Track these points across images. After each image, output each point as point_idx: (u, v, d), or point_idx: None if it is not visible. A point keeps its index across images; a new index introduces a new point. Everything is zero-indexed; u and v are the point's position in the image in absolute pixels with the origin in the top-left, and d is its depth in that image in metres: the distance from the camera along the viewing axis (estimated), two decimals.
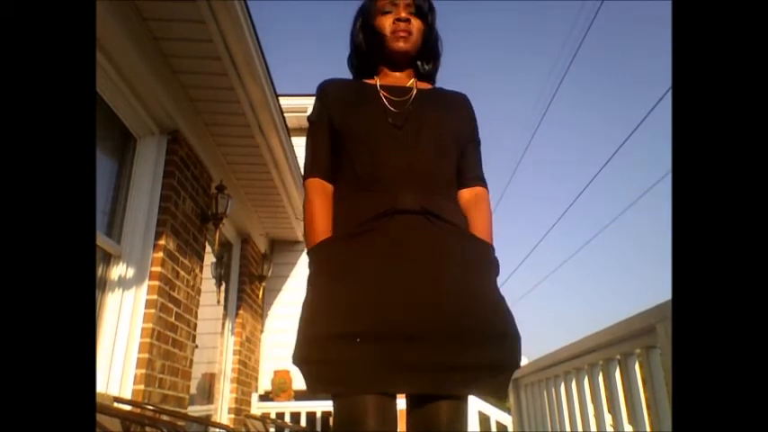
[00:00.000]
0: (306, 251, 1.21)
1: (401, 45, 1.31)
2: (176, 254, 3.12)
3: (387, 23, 1.31)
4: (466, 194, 1.30)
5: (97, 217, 2.68)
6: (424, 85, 1.36)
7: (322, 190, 1.26)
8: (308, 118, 1.35)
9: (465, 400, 1.11)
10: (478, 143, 1.38)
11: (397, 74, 1.35)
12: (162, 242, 2.94)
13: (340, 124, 1.26)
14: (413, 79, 1.36)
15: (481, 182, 1.34)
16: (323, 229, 1.19)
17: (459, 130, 1.32)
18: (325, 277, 1.14)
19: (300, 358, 1.11)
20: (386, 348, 1.05)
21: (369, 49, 1.37)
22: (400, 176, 1.18)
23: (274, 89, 3.43)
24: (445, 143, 1.27)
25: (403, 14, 1.31)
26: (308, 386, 1.11)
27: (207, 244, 3.73)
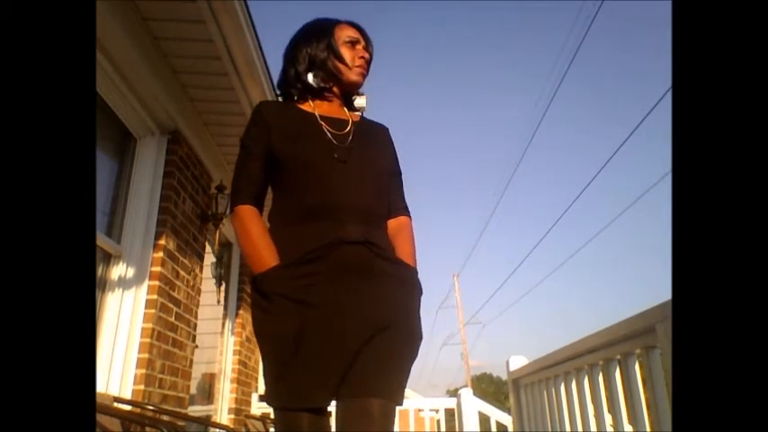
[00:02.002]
0: (253, 276, 1.26)
1: (360, 80, 1.43)
2: (176, 254, 3.12)
3: (348, 55, 1.41)
4: (392, 224, 1.41)
5: (97, 217, 2.68)
6: (355, 117, 1.46)
7: (257, 217, 1.32)
8: (241, 140, 1.38)
9: (394, 401, 1.20)
10: (401, 174, 1.50)
11: (332, 101, 1.43)
12: (162, 242, 2.94)
13: (283, 154, 1.31)
14: (345, 109, 1.45)
15: (405, 212, 1.46)
16: (269, 255, 1.24)
17: (389, 165, 1.44)
18: (277, 304, 1.21)
19: (271, 383, 1.22)
20: (335, 365, 1.17)
21: (324, 72, 1.40)
22: (347, 209, 1.27)
23: (274, 89, 3.42)
24: (382, 180, 1.38)
25: (365, 54, 1.42)
26: (268, 401, 1.23)
27: (207, 244, 3.73)
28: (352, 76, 1.40)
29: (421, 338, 1.28)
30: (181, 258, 3.18)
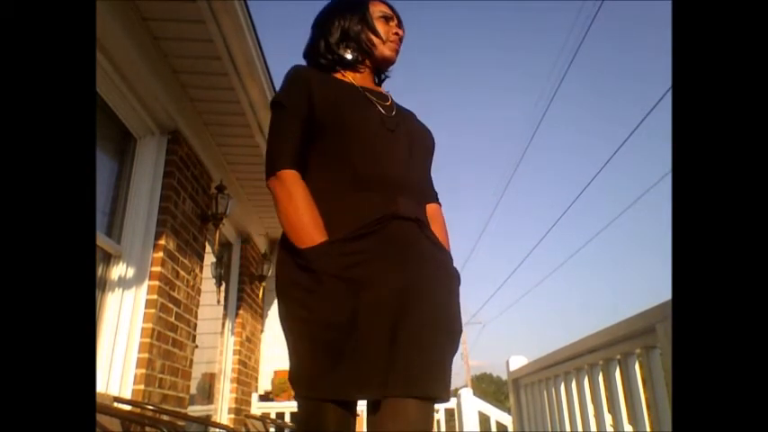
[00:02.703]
0: (296, 249, 1.11)
1: (393, 56, 1.38)
2: (176, 254, 3.12)
3: (383, 30, 1.37)
4: (426, 209, 1.34)
5: (97, 217, 2.68)
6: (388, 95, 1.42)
7: (303, 184, 1.17)
8: (277, 101, 1.25)
9: (442, 398, 1.14)
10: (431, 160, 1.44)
11: (364, 76, 1.38)
12: (162, 242, 2.94)
13: (329, 118, 1.21)
14: (379, 87, 1.41)
15: (437, 199, 1.40)
16: (318, 228, 1.12)
17: (430, 145, 1.39)
18: (328, 285, 1.08)
19: (311, 367, 1.09)
20: (388, 353, 1.07)
21: (357, 44, 1.35)
22: (399, 182, 1.20)
23: (274, 89, 3.42)
24: (428, 157, 1.34)
25: (399, 30, 1.39)
26: (308, 393, 1.10)
27: (207, 244, 3.73)
28: (386, 51, 1.36)
29: (461, 331, 1.22)
30: (181, 258, 3.18)
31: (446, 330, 1.16)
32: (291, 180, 1.16)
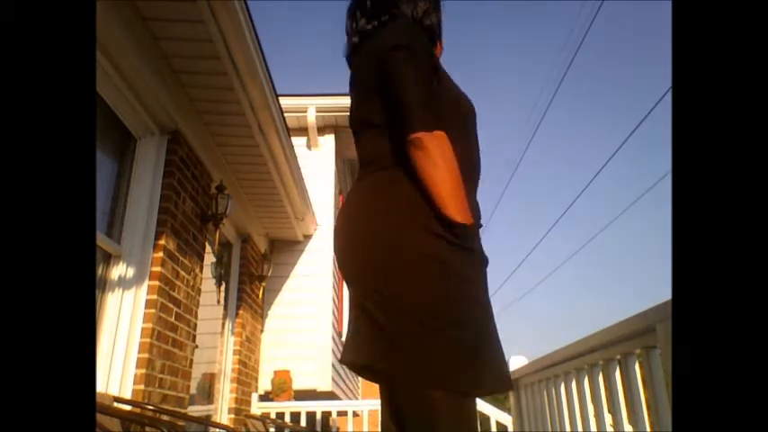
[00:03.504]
0: (451, 223, 0.97)
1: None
2: (176, 254, 3.12)
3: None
4: None
5: (97, 217, 2.68)
6: None
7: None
8: (410, 45, 1.05)
9: None
10: None
11: None
12: (162, 242, 2.94)
13: (457, 94, 1.13)
14: None
15: None
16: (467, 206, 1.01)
17: None
18: (482, 268, 1.03)
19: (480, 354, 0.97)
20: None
21: (429, 34, 1.28)
22: (478, 182, 1.17)
23: (274, 89, 3.43)
24: None
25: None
26: (479, 386, 0.97)
27: (207, 244, 3.73)
28: (437, 53, 1.32)
29: None
30: (181, 258, 3.18)
31: None
32: (450, 146, 1.00)
